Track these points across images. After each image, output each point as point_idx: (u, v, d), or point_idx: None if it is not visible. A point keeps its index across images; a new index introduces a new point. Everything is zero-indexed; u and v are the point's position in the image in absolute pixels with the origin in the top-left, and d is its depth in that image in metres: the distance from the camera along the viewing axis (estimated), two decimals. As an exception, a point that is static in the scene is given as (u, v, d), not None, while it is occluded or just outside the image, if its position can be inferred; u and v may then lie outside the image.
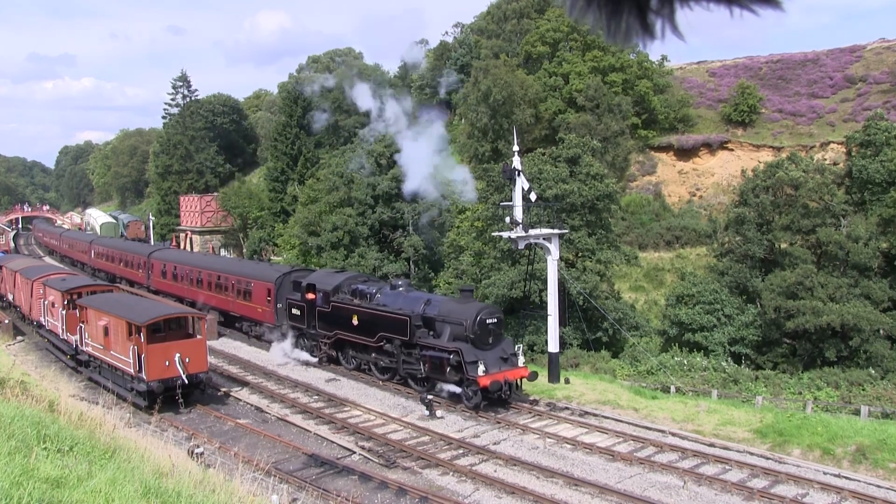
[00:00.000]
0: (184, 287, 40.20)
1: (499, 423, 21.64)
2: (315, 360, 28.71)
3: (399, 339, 24.46)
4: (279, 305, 31.04)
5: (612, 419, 21.81)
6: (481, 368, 21.90)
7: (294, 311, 29.55)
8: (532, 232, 24.77)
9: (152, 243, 68.31)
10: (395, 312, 24.61)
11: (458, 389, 22.89)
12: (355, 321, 26.11)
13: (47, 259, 74.56)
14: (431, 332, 23.80)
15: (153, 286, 44.35)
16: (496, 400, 22.63)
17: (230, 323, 36.31)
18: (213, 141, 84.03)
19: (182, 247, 73.83)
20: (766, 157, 48.59)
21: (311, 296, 28.29)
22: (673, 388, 25.58)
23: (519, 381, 23.34)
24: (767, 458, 18.31)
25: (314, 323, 28.42)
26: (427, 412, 22.33)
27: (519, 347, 24.08)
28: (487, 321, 22.93)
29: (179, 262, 42.30)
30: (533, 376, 23.16)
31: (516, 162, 24.88)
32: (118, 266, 51.68)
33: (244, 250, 66.97)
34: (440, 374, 22.97)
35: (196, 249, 69.82)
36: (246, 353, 31.91)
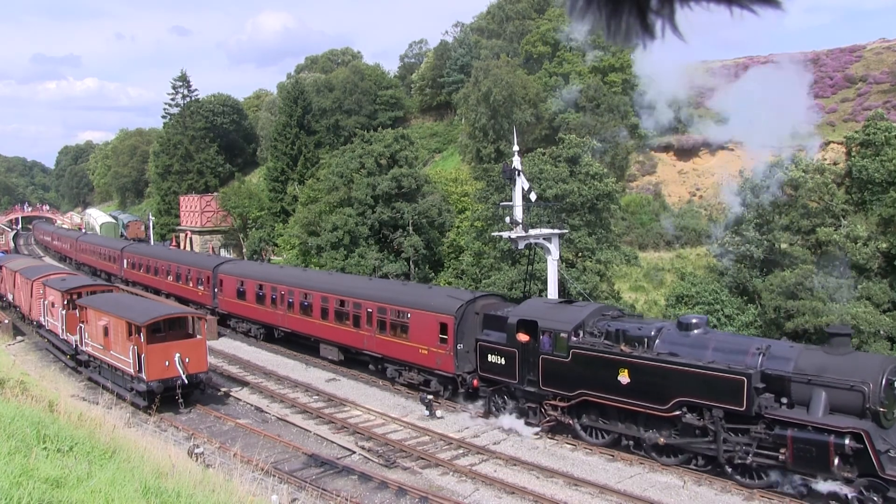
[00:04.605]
0: (277, 313, 31.89)
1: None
2: (536, 428, 20.67)
3: (722, 409, 16.63)
4: (460, 347, 23.07)
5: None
6: None
7: (492, 357, 21.48)
8: (532, 232, 24.77)
9: (152, 243, 68.19)
10: (714, 369, 16.81)
11: (836, 488, 15.20)
12: (624, 378, 18.30)
13: (47, 259, 74.52)
14: (783, 400, 16.28)
15: (222, 308, 36.33)
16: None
17: (356, 363, 28.29)
18: (213, 141, 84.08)
19: (182, 247, 73.81)
20: (767, 157, 48.58)
21: (523, 337, 20.69)
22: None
23: None
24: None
25: (532, 376, 20.51)
26: (427, 412, 22.32)
27: None
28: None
29: (268, 279, 33.25)
30: None
31: (516, 162, 24.91)
32: (164, 279, 43.55)
33: (244, 250, 67.01)
34: (817, 466, 15.28)
35: (196, 249, 69.75)
36: (246, 353, 31.89)
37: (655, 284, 43.31)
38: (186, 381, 22.93)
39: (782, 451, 15.64)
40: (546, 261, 26.54)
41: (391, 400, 24.54)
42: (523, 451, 19.31)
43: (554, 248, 25.63)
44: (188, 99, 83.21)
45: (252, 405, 24.50)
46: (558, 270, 26.76)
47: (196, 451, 16.68)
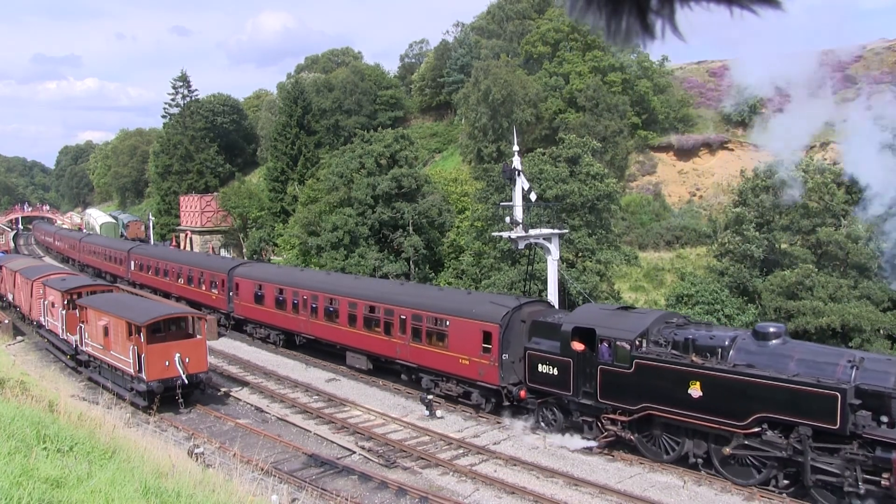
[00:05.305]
0: (300, 319, 30.53)
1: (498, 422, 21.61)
2: (592, 444, 19.48)
3: (811, 427, 15.32)
4: (505, 356, 21.66)
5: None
6: None
7: (543, 367, 20.40)
8: (532, 232, 24.78)
9: (152, 243, 68.13)
10: (802, 383, 15.49)
11: None
12: (696, 391, 16.99)
13: (47, 259, 74.50)
14: (884, 419, 14.89)
15: (238, 313, 35.20)
16: None
17: (387, 372, 27.04)
18: (213, 141, 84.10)
19: (182, 247, 73.80)
20: (767, 157, 48.58)
21: (578, 346, 19.59)
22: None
23: None
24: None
25: (588, 388, 19.32)
26: (427, 412, 22.33)
27: None
28: None
29: (289, 283, 31.83)
30: None
31: (516, 162, 24.92)
32: (174, 282, 42.40)
33: (244, 250, 67.00)
34: None
35: (196, 249, 69.72)
36: (245, 353, 31.89)
37: (655, 284, 43.33)
38: (186, 381, 22.94)
39: (885, 475, 14.32)
40: (546, 261, 26.55)
41: (391, 400, 24.56)
42: (523, 451, 19.31)
43: (554, 248, 25.64)
44: (188, 99, 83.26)
45: (252, 405, 24.50)
46: (558, 270, 26.77)
47: (196, 451, 16.68)
